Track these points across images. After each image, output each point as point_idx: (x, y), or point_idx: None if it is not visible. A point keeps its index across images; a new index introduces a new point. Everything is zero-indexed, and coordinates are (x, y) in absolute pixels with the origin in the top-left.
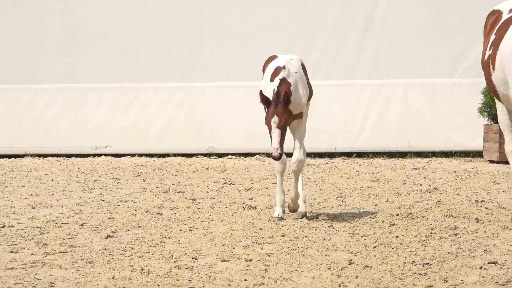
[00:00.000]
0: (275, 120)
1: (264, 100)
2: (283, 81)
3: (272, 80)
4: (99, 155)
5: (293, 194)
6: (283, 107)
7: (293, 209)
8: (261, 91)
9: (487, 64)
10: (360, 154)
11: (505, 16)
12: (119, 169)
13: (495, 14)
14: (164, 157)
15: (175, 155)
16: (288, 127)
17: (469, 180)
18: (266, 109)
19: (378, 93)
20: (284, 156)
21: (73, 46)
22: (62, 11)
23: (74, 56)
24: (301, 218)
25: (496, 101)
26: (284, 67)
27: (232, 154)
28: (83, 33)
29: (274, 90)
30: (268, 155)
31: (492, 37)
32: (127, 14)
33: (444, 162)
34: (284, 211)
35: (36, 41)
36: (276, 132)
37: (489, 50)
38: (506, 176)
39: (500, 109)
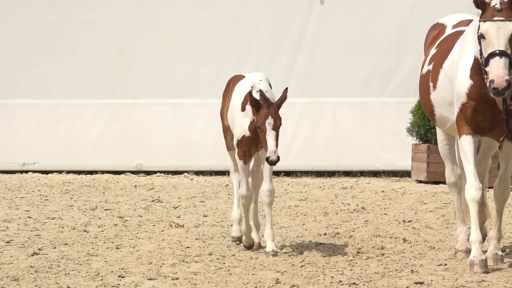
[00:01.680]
0: (269, 121)
1: (254, 102)
2: (262, 92)
3: (243, 109)
4: (26, 172)
5: (268, 230)
6: (276, 107)
7: (248, 244)
8: (249, 93)
9: (426, 81)
10: (288, 173)
11: (448, 31)
12: (46, 186)
13: (438, 28)
14: (92, 174)
15: (103, 172)
16: (258, 152)
17: (396, 200)
18: (255, 112)
19: (307, 111)
20: (251, 193)
21: (2, 60)
22: None
23: (1, 70)
24: (274, 256)
25: (438, 129)
26: (252, 88)
27: (161, 172)
28: (11, 46)
29: (259, 93)
30: (197, 173)
31: (433, 51)
32: (60, 28)
33: (372, 181)
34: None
35: None
36: (272, 134)
37: (429, 65)
38: (434, 196)
39: (441, 138)
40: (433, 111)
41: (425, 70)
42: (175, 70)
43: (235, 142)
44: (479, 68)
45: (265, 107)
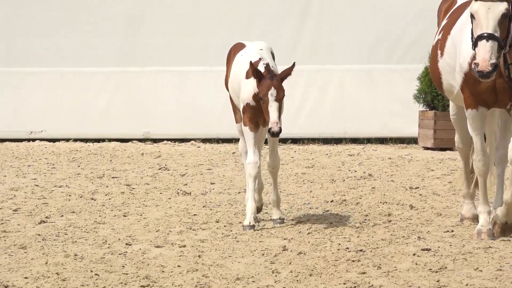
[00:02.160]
0: (272, 92)
1: (255, 73)
2: (268, 66)
3: (248, 76)
4: (34, 140)
5: (274, 197)
6: (280, 79)
7: (259, 204)
8: (251, 62)
9: (435, 49)
10: (295, 140)
11: (459, 2)
12: (53, 154)
13: (449, 0)
14: (99, 142)
15: (110, 140)
16: (263, 127)
17: (403, 167)
18: (258, 83)
19: (314, 79)
20: (258, 160)
21: (9, 29)
22: None
23: (10, 39)
24: (281, 223)
25: (451, 101)
26: (260, 60)
27: (168, 140)
28: (20, 15)
29: (264, 67)
30: (204, 141)
31: (444, 22)
32: None
33: (379, 148)
34: (256, 218)
35: None
36: (274, 105)
37: (439, 34)
38: (441, 163)
39: (453, 109)
40: (441, 79)
41: (435, 40)
42: (182, 39)
43: (241, 108)
44: None
45: (268, 78)
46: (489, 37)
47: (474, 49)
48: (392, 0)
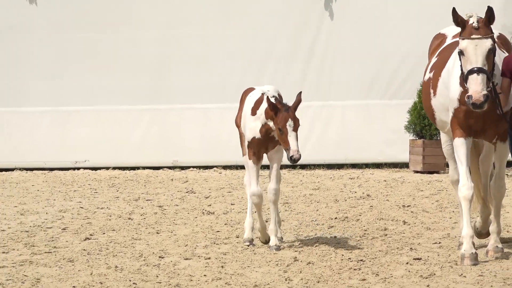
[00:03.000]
0: (290, 124)
1: (271, 106)
2: (276, 98)
3: (254, 113)
4: (78, 168)
5: (273, 226)
6: (294, 110)
7: (264, 240)
8: (267, 97)
9: (427, 88)
10: (303, 166)
11: (448, 41)
12: (95, 181)
13: (440, 38)
14: (135, 169)
15: (144, 168)
16: (266, 154)
17: (397, 188)
18: (274, 116)
19: (319, 113)
20: (260, 189)
21: (57, 73)
22: (49, 42)
23: (57, 81)
24: (277, 250)
25: (441, 132)
26: (263, 95)
27: (193, 167)
28: (64, 60)
29: (274, 98)
30: (225, 167)
31: (434, 59)
32: (105, 45)
33: (375, 172)
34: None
35: (24, 69)
36: (293, 135)
37: (430, 72)
38: (429, 184)
39: (444, 139)
40: (434, 116)
41: (426, 77)
42: (204, 79)
43: (246, 143)
44: None
45: (283, 110)
46: (479, 70)
47: (465, 83)
48: (384, 45)
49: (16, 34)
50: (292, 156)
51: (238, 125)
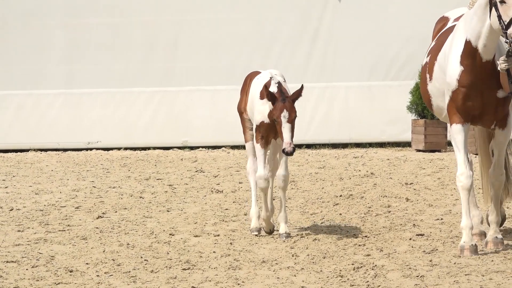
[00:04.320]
0: (285, 115)
1: (269, 96)
2: (280, 84)
3: (262, 97)
4: (91, 149)
5: (283, 213)
6: (292, 101)
7: (269, 230)
8: (265, 85)
9: (424, 72)
10: (309, 146)
11: (449, 24)
12: (108, 161)
13: (443, 21)
14: (145, 150)
15: (154, 148)
16: (275, 140)
17: (400, 166)
18: (272, 105)
19: (323, 94)
20: (267, 174)
21: (71, 57)
22: (64, 27)
23: (71, 64)
24: (287, 237)
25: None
26: (271, 79)
27: (202, 147)
28: (80, 46)
29: (277, 87)
30: (233, 147)
31: (432, 44)
32: (118, 29)
33: (379, 151)
34: (268, 225)
35: (40, 54)
36: (287, 127)
37: (427, 57)
38: (431, 163)
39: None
40: (431, 101)
41: (424, 62)
42: (213, 62)
43: (254, 127)
44: (470, 52)
45: (280, 101)
46: None
47: (505, 30)
48: (387, 28)
49: (32, 18)
50: (284, 149)
51: (241, 110)
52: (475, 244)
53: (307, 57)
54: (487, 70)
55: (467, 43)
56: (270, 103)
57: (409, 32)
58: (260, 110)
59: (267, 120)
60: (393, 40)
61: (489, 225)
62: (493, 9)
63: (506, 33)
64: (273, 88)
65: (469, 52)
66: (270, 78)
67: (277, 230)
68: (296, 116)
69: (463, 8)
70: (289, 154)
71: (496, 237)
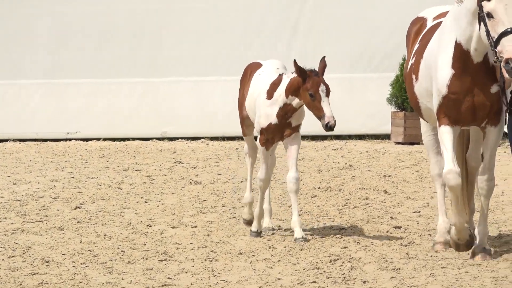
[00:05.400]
0: (322, 88)
1: (299, 71)
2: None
3: (270, 97)
4: (70, 139)
5: (296, 218)
6: (323, 75)
7: (256, 229)
8: (295, 60)
9: (410, 75)
10: None
11: (429, 24)
12: (86, 151)
13: (419, 22)
14: (125, 141)
15: (134, 139)
16: (282, 141)
17: (378, 159)
18: (303, 82)
19: None
20: (271, 176)
21: (52, 46)
22: (50, 15)
23: (52, 55)
24: (304, 241)
25: (421, 120)
26: (282, 74)
27: (182, 138)
28: (61, 35)
29: (299, 69)
30: (212, 139)
31: (416, 46)
32: (102, 18)
33: (358, 143)
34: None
35: (23, 43)
36: (326, 101)
37: (412, 59)
38: (409, 155)
39: (425, 129)
40: (418, 103)
41: (409, 65)
42: (194, 53)
43: (258, 129)
44: (461, 55)
45: (313, 75)
46: None
47: (495, 48)
48: (368, 21)
49: (13, 7)
50: (328, 123)
51: (240, 104)
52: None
53: (288, 48)
54: (479, 71)
55: (458, 45)
56: (279, 102)
57: (390, 25)
58: (267, 113)
59: (275, 122)
60: (374, 33)
61: (477, 236)
62: (482, 22)
63: (495, 51)
64: (285, 80)
65: (460, 54)
66: (280, 75)
67: (292, 235)
68: (330, 90)
69: (439, 7)
70: (332, 128)
71: (484, 248)
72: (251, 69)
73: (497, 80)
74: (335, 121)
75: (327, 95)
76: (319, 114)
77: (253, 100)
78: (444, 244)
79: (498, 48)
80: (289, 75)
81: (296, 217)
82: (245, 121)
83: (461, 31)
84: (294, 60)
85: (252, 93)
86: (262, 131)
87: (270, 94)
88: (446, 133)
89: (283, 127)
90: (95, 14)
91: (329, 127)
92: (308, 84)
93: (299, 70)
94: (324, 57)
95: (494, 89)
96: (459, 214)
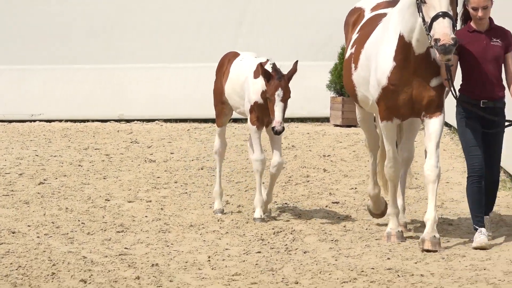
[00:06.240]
0: (279, 93)
1: (264, 73)
2: (275, 64)
3: (257, 76)
4: (34, 121)
5: (266, 198)
6: (287, 80)
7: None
8: (260, 63)
9: (348, 63)
10: (236, 120)
11: (367, 15)
12: (50, 132)
13: (356, 13)
14: (85, 122)
15: (93, 120)
16: (265, 128)
17: (318, 140)
18: (266, 83)
19: None
20: (264, 157)
21: (13, 35)
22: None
23: (14, 43)
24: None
25: (357, 108)
26: (268, 61)
27: (137, 120)
28: (21, 25)
29: (271, 66)
30: (165, 120)
31: (355, 36)
32: (54, 7)
33: (300, 126)
34: (264, 211)
35: None
36: (279, 106)
37: (351, 48)
38: (347, 137)
39: (360, 117)
40: (355, 91)
41: (348, 54)
42: (144, 42)
43: (248, 107)
44: (403, 47)
45: (276, 79)
46: (445, 14)
47: (429, 32)
48: (307, 12)
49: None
50: (274, 127)
51: (219, 93)
52: (401, 231)
53: (234, 39)
54: (420, 63)
55: (401, 38)
56: (263, 84)
57: (327, 15)
58: (255, 90)
59: (260, 101)
60: (313, 23)
61: (426, 223)
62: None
63: (429, 35)
64: (268, 68)
65: (402, 46)
66: (267, 60)
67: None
68: (290, 96)
69: None
70: (278, 133)
71: (434, 236)
72: (228, 58)
73: (439, 74)
74: (282, 127)
75: (283, 100)
76: (272, 116)
77: (238, 83)
78: (403, 226)
79: (431, 33)
80: (272, 62)
81: (259, 196)
82: (224, 109)
83: (404, 22)
84: (260, 63)
85: (234, 77)
86: (252, 108)
87: (256, 74)
88: (388, 130)
89: (267, 109)
90: (49, 4)
91: (275, 131)
92: (268, 85)
93: (264, 72)
94: (296, 61)
95: (434, 82)
96: (394, 204)
